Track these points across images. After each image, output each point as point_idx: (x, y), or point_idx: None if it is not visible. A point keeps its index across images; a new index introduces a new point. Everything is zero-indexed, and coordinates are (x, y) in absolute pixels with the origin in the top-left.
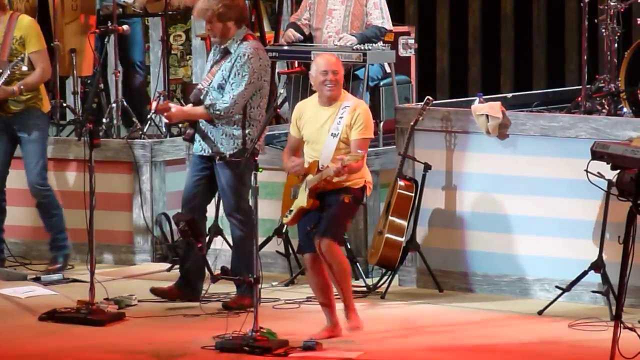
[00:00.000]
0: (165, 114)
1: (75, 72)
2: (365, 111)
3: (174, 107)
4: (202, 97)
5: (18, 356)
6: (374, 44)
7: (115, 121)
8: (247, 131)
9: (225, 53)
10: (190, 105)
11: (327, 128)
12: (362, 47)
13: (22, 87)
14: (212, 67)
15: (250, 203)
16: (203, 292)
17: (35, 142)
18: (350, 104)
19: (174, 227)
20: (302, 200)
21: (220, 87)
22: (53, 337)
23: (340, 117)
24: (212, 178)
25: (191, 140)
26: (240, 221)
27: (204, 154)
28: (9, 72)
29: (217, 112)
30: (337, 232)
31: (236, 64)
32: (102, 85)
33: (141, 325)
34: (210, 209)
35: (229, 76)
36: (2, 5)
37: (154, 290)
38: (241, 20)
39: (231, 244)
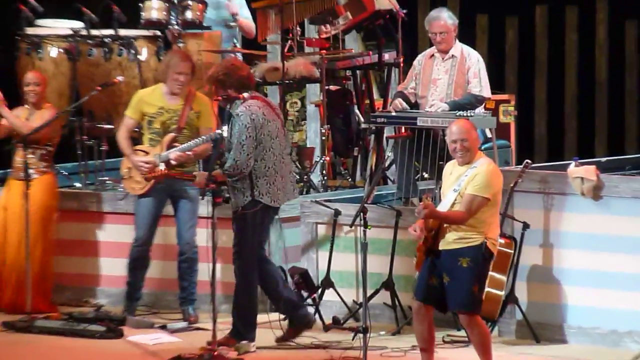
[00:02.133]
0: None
1: None
2: (488, 172)
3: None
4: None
5: None
6: (472, 111)
7: None
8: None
9: (229, 117)
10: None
11: (453, 184)
12: (465, 114)
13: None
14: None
15: (359, 259)
16: (314, 339)
17: (192, 202)
18: (478, 164)
19: (289, 279)
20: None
21: (229, 150)
22: None
23: (466, 175)
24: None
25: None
26: (239, 267)
27: (234, 208)
28: (197, 142)
29: (226, 172)
30: (469, 303)
31: (233, 125)
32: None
33: None
34: (323, 263)
35: (231, 137)
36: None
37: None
38: (241, 87)
39: (343, 296)
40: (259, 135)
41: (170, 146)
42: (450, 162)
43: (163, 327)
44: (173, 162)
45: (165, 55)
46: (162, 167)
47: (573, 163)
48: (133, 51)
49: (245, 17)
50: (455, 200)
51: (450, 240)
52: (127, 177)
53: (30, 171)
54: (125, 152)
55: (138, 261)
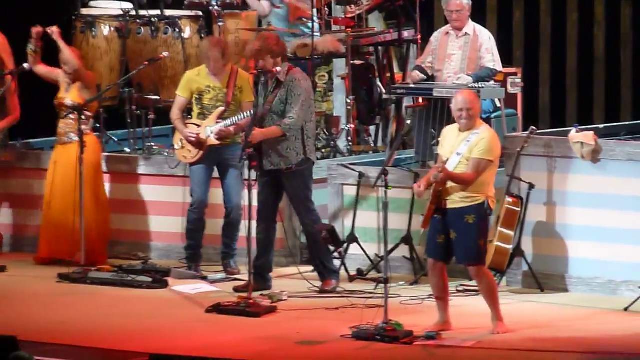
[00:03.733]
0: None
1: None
2: (490, 138)
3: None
4: (264, 121)
5: (188, 340)
6: (486, 83)
7: None
8: (306, 143)
9: (278, 83)
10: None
11: (456, 148)
12: (477, 85)
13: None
14: (267, 96)
15: (381, 216)
16: (342, 289)
17: (237, 169)
18: (479, 131)
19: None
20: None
21: (280, 112)
22: (217, 327)
23: (468, 141)
24: (279, 189)
25: (251, 159)
26: (313, 221)
27: (272, 168)
28: (240, 117)
29: (287, 127)
30: (475, 256)
31: (291, 88)
32: None
33: (290, 317)
34: (348, 221)
35: (286, 99)
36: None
37: (236, 289)
38: (285, 57)
39: (366, 250)
40: (309, 100)
41: (218, 119)
42: (449, 126)
43: (204, 278)
44: (217, 136)
45: (200, 42)
46: (212, 137)
47: (574, 129)
48: (177, 29)
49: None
50: (460, 162)
51: (456, 200)
52: (180, 147)
53: (74, 136)
54: (178, 127)
55: (196, 223)
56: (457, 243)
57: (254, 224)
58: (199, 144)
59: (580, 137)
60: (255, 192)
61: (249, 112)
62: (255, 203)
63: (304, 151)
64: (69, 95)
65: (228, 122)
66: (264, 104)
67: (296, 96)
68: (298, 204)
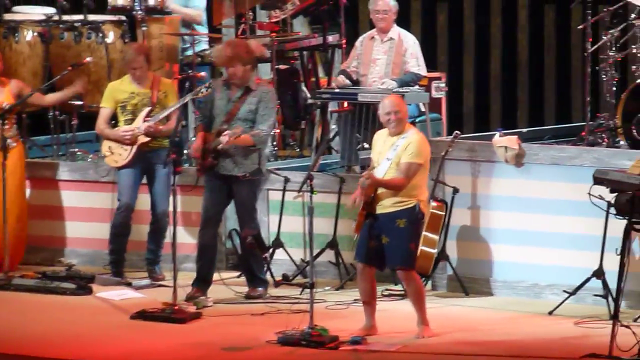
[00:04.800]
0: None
1: None
2: (419, 141)
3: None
4: (226, 127)
5: (112, 347)
6: (411, 87)
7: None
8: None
9: (246, 91)
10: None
11: (385, 153)
12: (401, 90)
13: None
14: (233, 101)
15: (306, 221)
16: (267, 295)
17: (166, 175)
18: (408, 135)
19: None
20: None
21: (248, 120)
22: (142, 333)
23: (397, 145)
24: (227, 195)
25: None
26: (256, 229)
27: (226, 174)
28: (167, 112)
29: (259, 139)
30: (406, 259)
31: (265, 100)
32: (184, 122)
33: (215, 323)
34: (273, 226)
35: (257, 109)
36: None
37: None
38: (255, 64)
39: (292, 255)
40: None
41: (145, 120)
42: (380, 131)
43: (129, 285)
44: (145, 131)
45: (123, 47)
46: (140, 137)
47: (498, 133)
48: (100, 34)
49: (195, 6)
50: (389, 167)
51: (388, 205)
52: (109, 154)
53: (8, 141)
54: (107, 134)
55: (121, 227)
56: (388, 247)
57: (180, 230)
58: (133, 142)
59: (504, 141)
60: (180, 198)
61: (176, 105)
62: (180, 209)
63: (259, 161)
64: None
65: (155, 119)
66: (231, 109)
67: (270, 109)
68: (244, 212)
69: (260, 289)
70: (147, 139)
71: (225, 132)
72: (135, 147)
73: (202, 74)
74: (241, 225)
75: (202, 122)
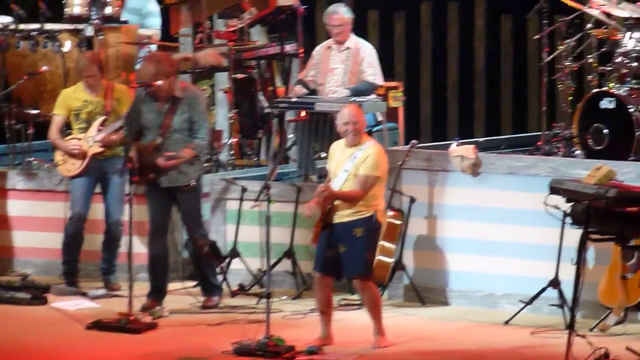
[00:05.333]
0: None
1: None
2: (377, 153)
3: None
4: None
5: (69, 358)
6: (367, 96)
7: None
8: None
9: (174, 100)
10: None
11: (343, 164)
12: (358, 99)
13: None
14: (164, 113)
15: (263, 231)
16: (223, 304)
17: (120, 184)
18: (366, 146)
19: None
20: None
21: (185, 129)
22: (98, 343)
23: (354, 157)
24: (170, 204)
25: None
26: (203, 235)
27: (170, 185)
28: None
29: (200, 149)
30: (363, 268)
31: (194, 105)
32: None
33: (171, 333)
34: (230, 235)
35: (191, 117)
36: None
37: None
38: (177, 74)
39: (248, 265)
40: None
41: (99, 129)
42: (337, 142)
43: (84, 294)
44: (101, 142)
45: (78, 55)
46: (94, 146)
47: (454, 143)
48: (57, 44)
49: (151, 26)
50: (347, 179)
51: (345, 214)
52: (62, 163)
53: None
54: (58, 145)
55: (74, 237)
56: (345, 256)
57: (136, 239)
58: (82, 154)
59: (460, 150)
60: (136, 207)
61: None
62: (135, 218)
63: (201, 167)
64: None
65: (110, 129)
66: (163, 122)
67: (203, 114)
68: (191, 219)
69: (215, 297)
70: (101, 149)
71: (166, 154)
72: (88, 157)
73: (159, 82)
74: (191, 233)
75: (129, 133)
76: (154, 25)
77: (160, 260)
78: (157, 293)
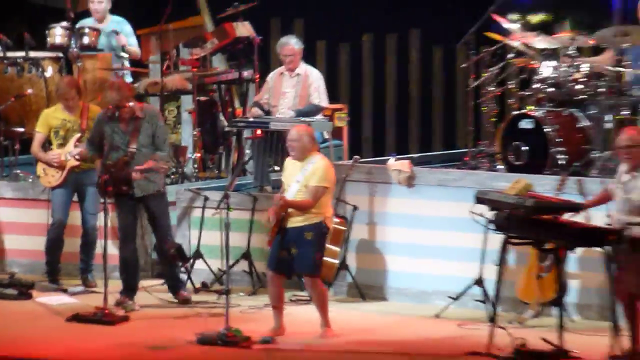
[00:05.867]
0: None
1: None
2: (325, 166)
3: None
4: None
5: (50, 347)
6: (315, 117)
7: None
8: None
9: (136, 119)
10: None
11: (295, 176)
12: (308, 119)
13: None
14: (130, 132)
15: (223, 235)
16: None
17: (95, 194)
18: (315, 161)
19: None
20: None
21: (148, 144)
22: (77, 334)
23: (305, 169)
24: (139, 212)
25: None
26: (172, 239)
27: (141, 194)
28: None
29: (166, 158)
30: (312, 267)
31: (155, 122)
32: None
33: (141, 325)
34: (194, 239)
35: (153, 133)
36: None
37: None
38: (133, 96)
39: (210, 265)
40: None
41: (76, 145)
42: (290, 157)
43: (65, 291)
44: (77, 156)
45: (59, 80)
46: (72, 160)
47: (392, 158)
48: (40, 69)
49: (132, 44)
50: (299, 189)
51: (297, 220)
52: (43, 175)
53: None
54: (40, 157)
55: (55, 241)
56: (297, 257)
57: (110, 243)
58: (61, 166)
59: (397, 165)
60: (112, 214)
61: None
62: (110, 224)
63: (164, 177)
64: None
65: (85, 145)
66: (130, 140)
67: (162, 128)
68: (162, 223)
69: (185, 292)
70: (77, 163)
71: (136, 168)
72: (66, 170)
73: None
74: (162, 237)
75: (91, 151)
76: (134, 43)
77: (131, 262)
78: (129, 290)
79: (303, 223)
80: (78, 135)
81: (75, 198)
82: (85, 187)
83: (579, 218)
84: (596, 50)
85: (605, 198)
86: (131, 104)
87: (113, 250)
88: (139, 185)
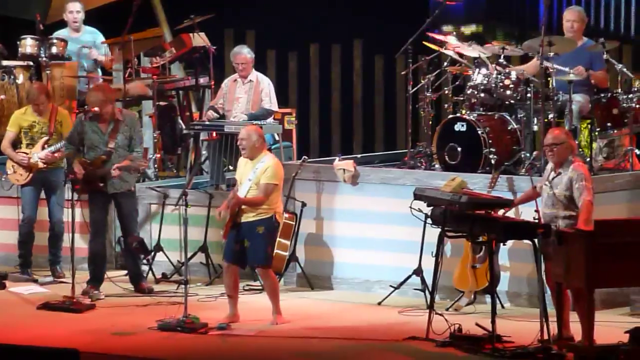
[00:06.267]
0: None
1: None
2: (274, 165)
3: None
4: (110, 157)
5: (22, 333)
6: (266, 120)
7: None
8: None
9: (116, 122)
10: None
11: (247, 175)
12: (259, 122)
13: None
14: (109, 133)
15: (182, 230)
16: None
17: (60, 190)
18: (265, 160)
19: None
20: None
21: (126, 146)
22: (47, 321)
23: (256, 168)
24: (110, 208)
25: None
26: (135, 234)
27: (114, 191)
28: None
29: (139, 158)
30: (264, 259)
31: (133, 126)
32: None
33: (106, 313)
34: (155, 233)
35: (130, 136)
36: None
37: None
38: (115, 100)
39: (170, 257)
40: None
41: (43, 147)
42: (242, 157)
43: (35, 281)
44: (44, 159)
45: (29, 86)
46: (39, 162)
47: (337, 158)
48: (12, 77)
49: (103, 54)
50: (251, 187)
51: (250, 215)
52: (12, 172)
53: None
54: (9, 155)
55: (26, 236)
56: (249, 249)
57: (77, 236)
58: (28, 167)
59: (342, 164)
60: (79, 210)
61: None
62: (78, 219)
63: (136, 176)
64: None
65: (52, 148)
66: (108, 140)
67: (139, 132)
68: (130, 219)
69: (146, 283)
70: (44, 165)
71: (115, 166)
72: (33, 170)
73: (96, 109)
74: (128, 232)
75: (70, 150)
76: (105, 53)
77: (99, 255)
78: (96, 281)
79: (255, 218)
80: (46, 138)
81: (42, 195)
82: (52, 184)
83: (509, 213)
84: (524, 59)
85: (532, 196)
86: (112, 106)
87: (80, 243)
88: (112, 184)
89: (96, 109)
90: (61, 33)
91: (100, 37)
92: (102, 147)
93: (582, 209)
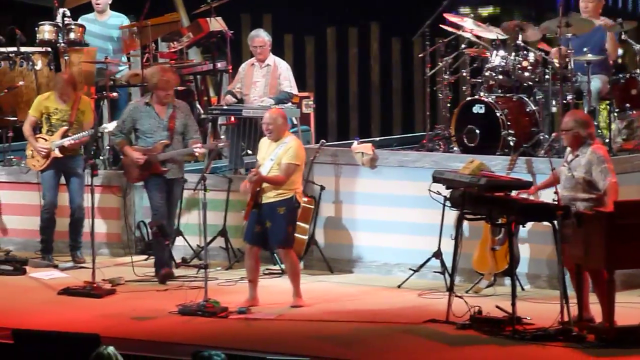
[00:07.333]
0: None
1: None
2: (297, 146)
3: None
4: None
5: (42, 318)
6: (285, 104)
7: (108, 158)
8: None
9: (174, 108)
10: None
11: (269, 155)
12: (278, 106)
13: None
14: (167, 120)
15: (201, 214)
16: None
17: (80, 176)
18: (287, 141)
19: (149, 230)
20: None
21: (181, 132)
22: (67, 306)
23: (279, 148)
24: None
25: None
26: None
27: (172, 177)
28: (82, 134)
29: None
30: (285, 239)
31: (187, 112)
32: (100, 134)
33: (127, 297)
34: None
35: (186, 122)
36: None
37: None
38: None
39: (189, 242)
40: None
41: (63, 136)
42: (264, 137)
43: (56, 267)
44: (65, 147)
45: (55, 75)
46: (56, 151)
47: (355, 142)
48: (31, 63)
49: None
50: (272, 167)
51: (271, 196)
52: (30, 157)
53: None
54: (29, 140)
55: (48, 221)
56: (271, 230)
57: (97, 221)
58: (47, 155)
59: (360, 148)
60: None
61: (88, 132)
62: (97, 205)
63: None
64: None
65: (70, 139)
66: (169, 125)
67: (193, 119)
68: (174, 208)
69: (169, 268)
70: (61, 155)
71: (198, 145)
72: (50, 158)
73: (114, 94)
74: (171, 219)
75: (120, 138)
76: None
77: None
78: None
79: (276, 199)
80: (65, 127)
81: (62, 181)
82: (71, 170)
83: (529, 196)
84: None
85: (553, 182)
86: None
87: (100, 228)
88: (172, 169)
89: (170, 91)
90: (88, 17)
91: (126, 21)
92: (160, 132)
93: (608, 191)
